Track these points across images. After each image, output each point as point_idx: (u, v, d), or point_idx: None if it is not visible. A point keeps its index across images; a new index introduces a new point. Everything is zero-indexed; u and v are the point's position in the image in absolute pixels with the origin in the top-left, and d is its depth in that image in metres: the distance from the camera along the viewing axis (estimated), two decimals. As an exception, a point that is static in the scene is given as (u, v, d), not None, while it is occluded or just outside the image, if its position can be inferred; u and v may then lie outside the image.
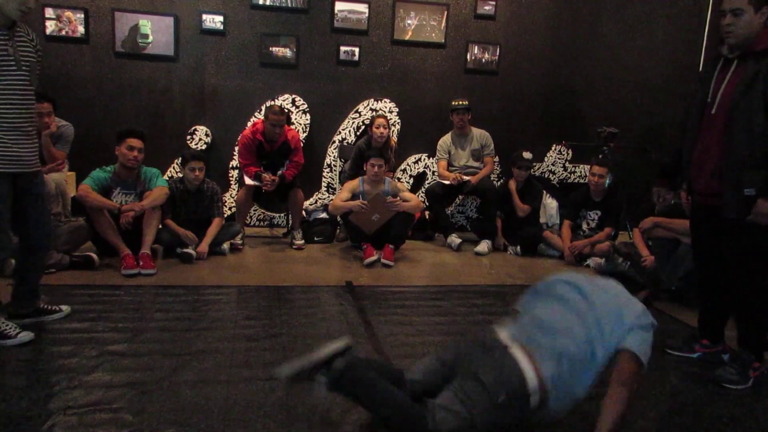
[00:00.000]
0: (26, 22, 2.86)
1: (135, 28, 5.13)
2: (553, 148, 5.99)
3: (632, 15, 5.96)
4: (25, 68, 2.73)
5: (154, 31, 5.17)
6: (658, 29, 6.01)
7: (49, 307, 3.05)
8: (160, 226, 4.24)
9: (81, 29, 5.03)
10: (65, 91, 4.96)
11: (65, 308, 3.10)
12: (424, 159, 5.76)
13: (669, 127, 6.03)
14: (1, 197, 2.68)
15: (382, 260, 4.46)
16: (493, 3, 5.70)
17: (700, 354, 2.97)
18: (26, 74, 2.73)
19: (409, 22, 5.58)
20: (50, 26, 4.97)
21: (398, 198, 4.63)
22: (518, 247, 5.06)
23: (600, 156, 5.33)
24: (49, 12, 4.95)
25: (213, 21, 5.25)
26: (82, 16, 5.01)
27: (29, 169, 2.78)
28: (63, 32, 5.01)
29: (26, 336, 2.75)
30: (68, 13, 4.99)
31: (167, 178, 4.72)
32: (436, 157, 5.51)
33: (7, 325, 2.74)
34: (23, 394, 2.29)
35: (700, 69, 5.83)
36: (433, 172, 5.67)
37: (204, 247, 4.37)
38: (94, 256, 3.99)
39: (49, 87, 4.61)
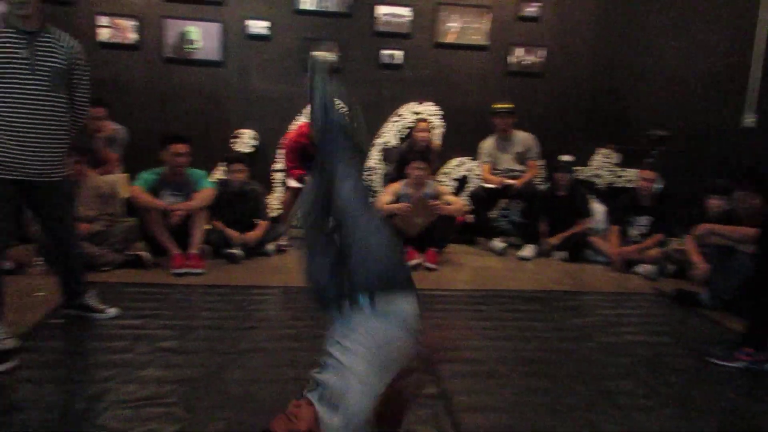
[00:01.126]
0: (69, 30, 2.87)
1: (183, 35, 5.27)
2: (599, 152, 5.87)
3: (680, 14, 5.79)
4: (43, 73, 2.66)
5: (202, 37, 5.29)
6: (707, 28, 5.81)
7: (97, 306, 3.14)
8: (209, 227, 4.33)
9: (133, 36, 5.19)
10: (118, 95, 5.12)
11: (112, 310, 3.16)
12: (467, 162, 5.72)
13: (721, 128, 5.84)
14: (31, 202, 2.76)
15: (425, 263, 4.45)
16: (537, 5, 5.63)
17: (742, 363, 2.89)
18: (43, 79, 2.66)
19: (451, 25, 5.57)
20: (104, 34, 5.14)
21: (440, 201, 4.61)
22: (564, 252, 4.97)
23: (649, 160, 5.20)
24: (102, 20, 5.12)
25: (258, 26, 5.34)
26: (134, 23, 5.17)
27: (35, 178, 2.70)
28: (115, 39, 5.17)
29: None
30: (120, 21, 5.15)
31: (214, 181, 4.82)
32: (480, 161, 5.47)
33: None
34: (80, 388, 2.37)
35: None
36: (477, 176, 5.63)
37: (251, 237, 4.46)
38: (146, 254, 4.10)
39: (103, 92, 4.76)
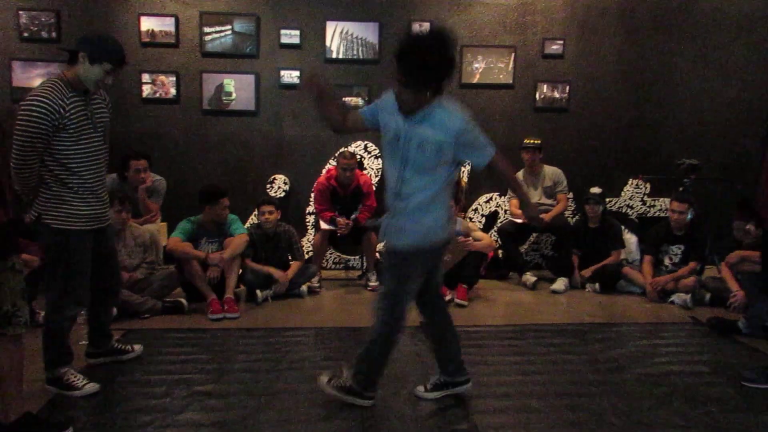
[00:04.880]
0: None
1: (220, 87, 5.54)
2: (630, 183, 5.84)
3: (707, 43, 5.81)
4: (101, 129, 2.84)
5: (237, 89, 5.55)
6: (735, 56, 5.82)
7: (123, 347, 3.27)
8: (241, 271, 4.48)
9: (173, 91, 5.49)
10: (159, 147, 5.39)
11: (137, 347, 3.30)
12: (495, 198, 5.77)
13: (753, 155, 5.77)
14: (86, 254, 2.83)
15: (456, 300, 4.47)
16: (561, 42, 5.73)
17: None
18: (101, 135, 2.84)
19: (476, 66, 5.70)
20: (146, 90, 5.45)
21: (470, 238, 4.65)
22: (597, 285, 4.93)
23: (681, 189, 5.16)
24: (146, 77, 5.44)
25: (290, 76, 5.57)
26: (174, 79, 5.47)
27: (105, 224, 2.94)
28: (157, 94, 5.48)
29: (92, 387, 2.85)
30: (162, 77, 5.46)
31: (249, 225, 4.99)
32: (508, 196, 5.51)
33: (75, 377, 2.87)
34: None
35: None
36: (505, 211, 5.66)
37: (287, 275, 4.60)
38: (184, 301, 4.26)
39: (144, 144, 5.03)
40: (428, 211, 2.55)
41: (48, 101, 2.57)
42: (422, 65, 2.35)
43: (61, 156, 2.66)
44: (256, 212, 5.00)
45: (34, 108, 2.55)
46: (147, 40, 5.38)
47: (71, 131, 2.65)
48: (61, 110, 2.60)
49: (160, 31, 5.39)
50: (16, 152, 2.56)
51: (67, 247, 2.75)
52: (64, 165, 2.67)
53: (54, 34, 5.29)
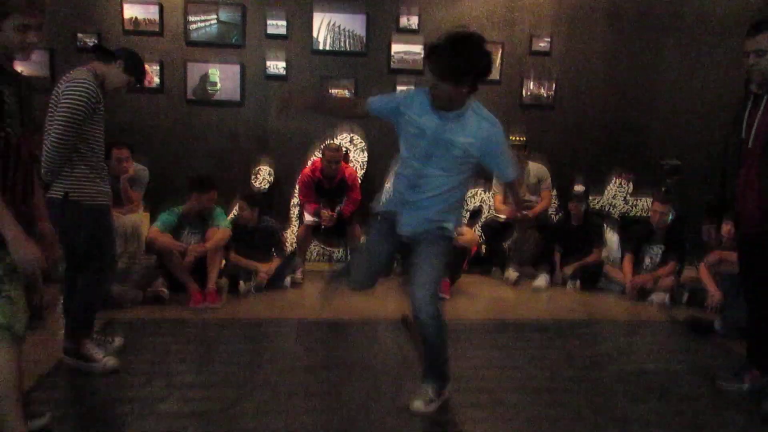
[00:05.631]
0: None
1: (205, 77, 5.49)
2: (613, 182, 5.90)
3: (694, 43, 5.86)
4: (101, 114, 2.96)
5: (222, 79, 5.51)
6: (722, 56, 5.87)
7: (104, 338, 3.23)
8: (224, 263, 4.46)
9: (157, 80, 5.43)
10: (142, 136, 5.32)
11: (118, 339, 3.28)
12: (480, 194, 5.80)
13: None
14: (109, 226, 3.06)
15: (438, 294, 4.48)
16: (548, 39, 5.75)
17: (750, 385, 2.89)
18: (101, 120, 2.98)
19: (464, 60, 5.70)
20: (129, 78, 5.38)
21: (454, 233, 4.66)
22: (577, 282, 4.98)
23: (663, 189, 5.22)
24: (129, 65, 5.37)
25: (276, 67, 5.54)
26: (158, 68, 5.41)
27: (109, 202, 3.08)
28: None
29: (112, 362, 2.94)
30: (145, 66, 5.38)
31: (232, 217, 4.97)
32: (492, 192, 5.54)
33: (95, 350, 2.95)
34: (101, 421, 2.47)
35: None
36: (490, 207, 5.69)
37: (270, 268, 4.61)
38: (165, 291, 4.23)
39: (127, 134, 4.97)
40: (444, 210, 2.62)
41: (93, 86, 2.80)
42: (465, 57, 2.37)
43: (89, 138, 2.84)
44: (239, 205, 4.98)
45: (82, 90, 2.75)
46: (130, 28, 5.31)
47: (98, 117, 2.87)
48: (99, 95, 2.83)
49: (144, 19, 5.32)
50: (61, 130, 2.71)
51: (100, 222, 2.94)
52: (91, 147, 2.86)
53: (36, 20, 5.19)
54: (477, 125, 2.50)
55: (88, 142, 2.84)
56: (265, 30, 5.47)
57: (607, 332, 3.91)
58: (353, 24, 5.55)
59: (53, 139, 2.72)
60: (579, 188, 5.14)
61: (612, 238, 5.45)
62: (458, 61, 2.36)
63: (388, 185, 2.82)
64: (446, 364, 2.73)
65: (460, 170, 2.58)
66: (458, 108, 2.48)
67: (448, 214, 2.64)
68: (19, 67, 4.54)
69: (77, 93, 2.74)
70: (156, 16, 5.32)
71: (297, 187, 5.33)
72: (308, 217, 4.93)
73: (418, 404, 2.62)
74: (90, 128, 2.83)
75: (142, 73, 3.13)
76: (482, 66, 2.43)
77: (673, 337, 3.85)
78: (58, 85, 2.82)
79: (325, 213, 4.87)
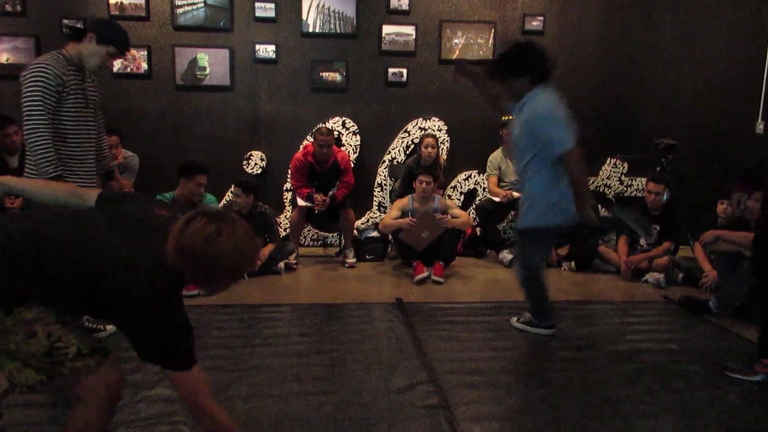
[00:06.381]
0: None
1: (194, 62, 5.42)
2: (608, 162, 5.87)
3: (689, 24, 5.80)
4: (92, 106, 3.00)
5: (211, 64, 5.43)
6: (717, 37, 5.81)
7: (94, 326, 3.22)
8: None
9: (144, 66, 5.36)
10: (131, 123, 5.27)
11: (109, 327, 3.24)
12: (475, 176, 5.77)
13: (731, 136, 5.82)
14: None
15: (433, 277, 4.48)
16: (541, 18, 5.69)
17: (762, 376, 2.84)
18: (92, 112, 3.00)
19: (456, 41, 5.65)
20: (117, 64, 5.31)
21: (447, 215, 4.65)
22: (572, 263, 4.96)
23: (657, 169, 5.19)
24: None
25: (266, 51, 5.47)
26: (146, 53, 5.33)
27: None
28: (128, 69, 5.34)
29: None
30: (133, 52, 5.32)
31: (224, 204, 4.92)
32: (486, 173, 5.51)
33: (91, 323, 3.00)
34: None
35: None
36: (484, 189, 5.66)
37: (263, 253, 4.54)
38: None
39: (117, 121, 4.91)
40: (544, 195, 3.07)
41: (52, 66, 2.72)
42: (502, 57, 3.09)
43: (60, 126, 2.78)
44: (231, 192, 4.94)
45: (40, 70, 2.69)
46: (116, 12, 5.21)
47: (69, 104, 2.79)
48: (63, 77, 2.74)
49: (130, 4, 5.23)
50: (28, 115, 2.66)
51: None
52: (61, 137, 2.79)
53: (19, 8, 5.11)
54: (532, 104, 3.17)
55: (59, 133, 2.78)
56: (254, 13, 5.39)
57: (602, 313, 3.90)
58: (343, 5, 5.47)
59: (24, 130, 2.72)
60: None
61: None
62: (499, 62, 3.20)
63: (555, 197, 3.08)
64: (537, 304, 3.40)
65: (539, 153, 3.16)
66: (523, 96, 3.20)
67: (529, 203, 3.26)
68: (5, 55, 4.60)
69: (33, 74, 2.69)
70: (142, 1, 5.22)
71: (289, 171, 5.29)
72: (301, 202, 4.90)
73: (513, 320, 3.53)
74: (60, 116, 2.77)
75: (120, 38, 2.93)
76: (523, 60, 3.14)
77: (668, 317, 3.83)
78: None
79: (318, 197, 4.84)
